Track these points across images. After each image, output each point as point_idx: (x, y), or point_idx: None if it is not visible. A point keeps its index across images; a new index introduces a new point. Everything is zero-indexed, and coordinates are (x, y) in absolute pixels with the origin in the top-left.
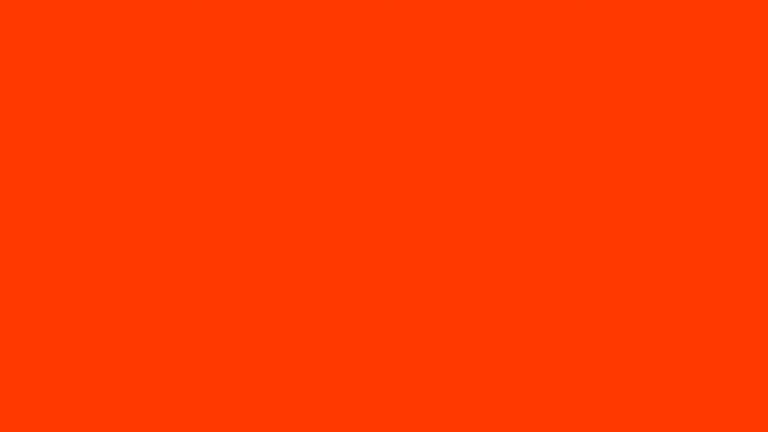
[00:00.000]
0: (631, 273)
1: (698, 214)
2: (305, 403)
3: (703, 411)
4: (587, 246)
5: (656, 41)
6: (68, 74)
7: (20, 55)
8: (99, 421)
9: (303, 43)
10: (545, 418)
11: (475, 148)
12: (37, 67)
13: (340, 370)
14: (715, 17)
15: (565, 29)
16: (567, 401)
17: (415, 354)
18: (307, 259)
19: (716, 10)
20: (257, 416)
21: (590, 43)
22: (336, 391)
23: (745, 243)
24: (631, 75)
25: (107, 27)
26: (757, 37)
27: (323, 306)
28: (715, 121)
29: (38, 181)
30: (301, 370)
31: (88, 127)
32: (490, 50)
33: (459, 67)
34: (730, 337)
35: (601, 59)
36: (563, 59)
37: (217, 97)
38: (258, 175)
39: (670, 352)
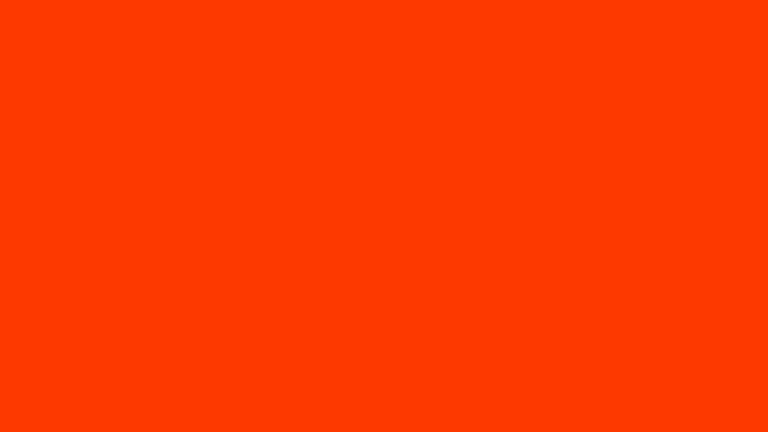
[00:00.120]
0: (631, 273)
1: (698, 213)
2: (305, 403)
3: (703, 411)
4: (587, 246)
5: (656, 41)
6: (68, 74)
7: (20, 55)
8: (99, 421)
9: (303, 43)
10: (545, 418)
11: (475, 148)
12: (37, 67)
13: (340, 370)
14: (715, 17)
15: (565, 29)
16: (567, 401)
17: (415, 354)
18: (307, 259)
19: (716, 10)
20: (257, 416)
21: (590, 43)
22: (336, 391)
23: (745, 243)
24: (631, 75)
25: (107, 27)
26: (757, 37)
27: (323, 306)
28: (715, 121)
29: (38, 181)
30: (301, 370)
31: (88, 127)
32: (490, 50)
33: (459, 67)
34: (730, 337)
35: (601, 59)
36: (563, 59)
37: (217, 97)
38: (258, 175)
39: (670, 352)
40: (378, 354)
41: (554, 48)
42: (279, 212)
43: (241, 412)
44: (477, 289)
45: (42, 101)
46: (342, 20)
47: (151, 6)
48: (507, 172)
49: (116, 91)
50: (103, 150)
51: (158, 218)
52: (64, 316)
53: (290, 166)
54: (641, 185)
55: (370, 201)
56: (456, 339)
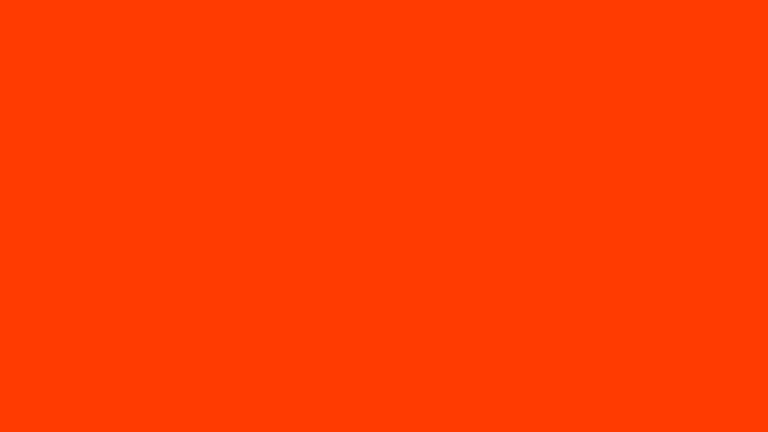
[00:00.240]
0: (631, 273)
1: (698, 213)
2: (305, 403)
3: (703, 411)
4: (587, 246)
5: (656, 41)
6: (68, 74)
7: (20, 55)
8: (99, 421)
9: (303, 43)
10: (545, 418)
11: (475, 148)
12: (37, 67)
13: (340, 370)
14: (715, 17)
15: (565, 29)
16: (567, 401)
17: (415, 354)
18: (307, 259)
19: (716, 10)
20: (257, 416)
21: (590, 43)
22: (336, 391)
23: (745, 243)
24: (631, 75)
25: (107, 27)
26: (757, 37)
27: (323, 306)
28: (715, 121)
29: (38, 181)
30: (301, 370)
31: (88, 127)
32: (490, 50)
33: (459, 67)
34: (730, 337)
35: (601, 59)
36: (563, 59)
37: (217, 97)
38: (258, 175)
39: (670, 353)
40: (378, 354)
41: (554, 48)
42: (279, 212)
43: (241, 412)
44: (477, 289)
45: (42, 101)
46: (342, 20)
47: (151, 6)
48: (507, 172)
49: (116, 91)
50: (103, 150)
51: (158, 218)
52: (64, 316)
53: (290, 166)
54: (641, 185)
55: (370, 201)
56: (456, 339)
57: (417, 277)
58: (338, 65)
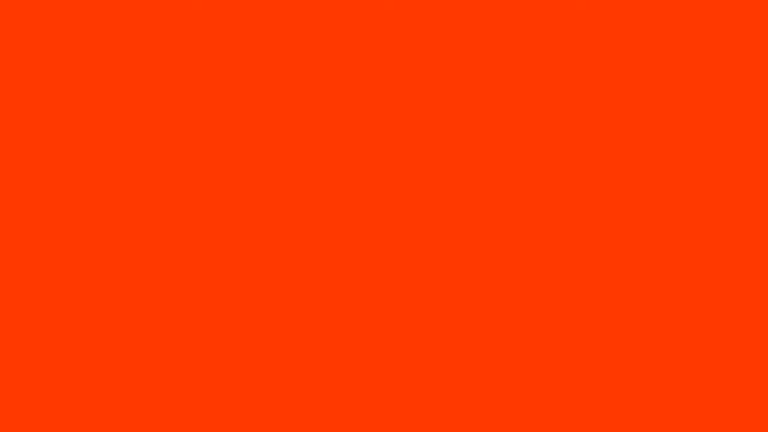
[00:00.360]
0: (631, 273)
1: (698, 214)
2: (305, 403)
3: (703, 411)
4: (587, 246)
5: (656, 41)
6: (68, 74)
7: (20, 55)
8: (99, 421)
9: (303, 43)
10: (545, 418)
11: (475, 148)
12: (37, 67)
13: (340, 370)
14: (715, 17)
15: (565, 29)
16: (567, 401)
17: (415, 354)
18: (307, 259)
19: (716, 10)
20: (257, 416)
21: (590, 43)
22: (336, 391)
23: (745, 243)
24: (631, 75)
25: (107, 27)
26: (757, 37)
27: (323, 306)
28: (715, 121)
29: (38, 181)
30: (301, 370)
31: (88, 127)
32: (490, 50)
33: (459, 67)
34: (730, 337)
35: (601, 59)
36: (563, 59)
37: (217, 97)
38: (258, 175)
39: (670, 353)
40: (378, 354)
41: (554, 48)
42: (279, 212)
43: (241, 412)
44: (477, 289)
45: (42, 101)
46: (342, 20)
47: (151, 6)
48: (507, 172)
49: (116, 91)
50: (103, 150)
51: (158, 218)
52: (64, 316)
53: (290, 166)
54: (641, 185)
55: (370, 201)
56: (456, 339)
57: (417, 277)
58: (338, 65)
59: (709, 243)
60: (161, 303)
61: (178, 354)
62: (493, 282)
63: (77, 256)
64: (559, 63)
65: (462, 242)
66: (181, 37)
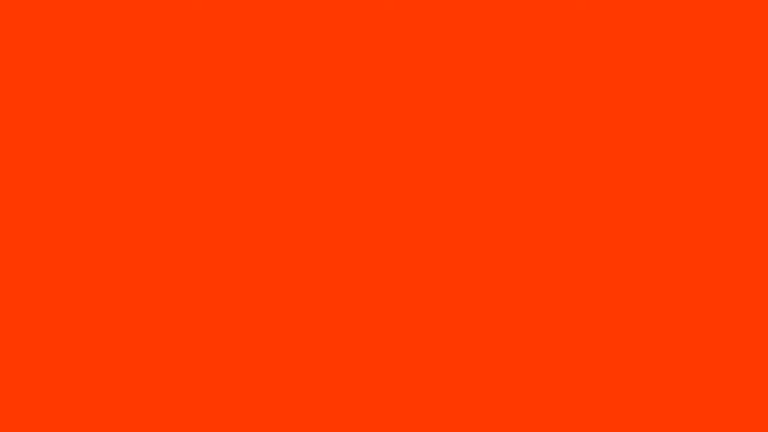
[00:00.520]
0: (631, 273)
1: (698, 214)
2: (305, 403)
3: (703, 411)
4: (587, 246)
5: (656, 41)
6: (68, 74)
7: (20, 55)
8: (99, 421)
9: (303, 43)
10: (545, 418)
11: (475, 148)
12: (37, 67)
13: (340, 370)
14: (715, 17)
15: (565, 29)
16: (567, 401)
17: (415, 354)
18: (307, 259)
19: (716, 10)
20: (257, 416)
21: (590, 43)
22: (336, 391)
23: (745, 243)
24: (631, 75)
25: (107, 27)
26: (757, 37)
27: (323, 306)
28: (715, 121)
29: (38, 181)
30: (301, 370)
31: (88, 127)
32: (490, 50)
33: (459, 67)
34: (730, 337)
35: (601, 59)
36: (563, 59)
37: (217, 97)
38: (258, 175)
39: (670, 353)
40: (378, 354)
41: (554, 48)
42: (279, 212)
43: (241, 412)
44: (477, 289)
45: (42, 101)
46: (342, 20)
47: (151, 6)
48: (507, 172)
49: (116, 91)
50: (103, 150)
51: (158, 218)
52: (64, 316)
53: (290, 166)
54: (641, 185)
55: (370, 201)
56: (456, 339)
57: (417, 277)
58: (338, 65)
59: (709, 243)
60: (161, 303)
61: (178, 354)
62: (493, 282)
63: (77, 256)
64: (559, 63)
65: (462, 242)
66: (181, 37)
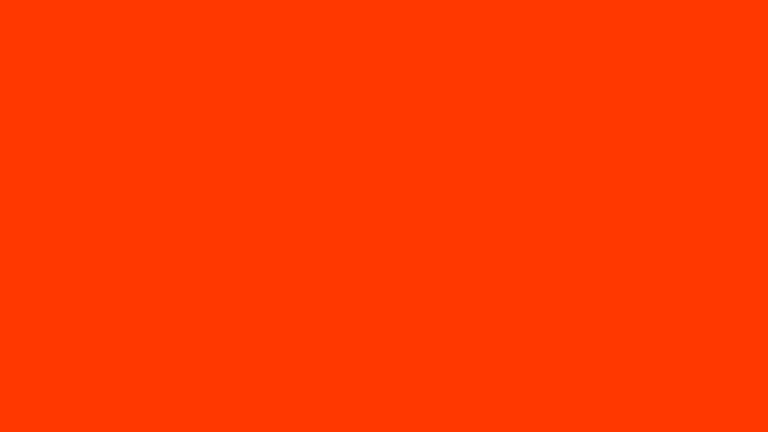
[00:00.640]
0: (631, 273)
1: (698, 214)
2: (305, 403)
3: (703, 411)
4: (587, 246)
5: (656, 41)
6: (68, 74)
7: (20, 55)
8: (99, 421)
9: (303, 43)
10: (545, 418)
11: (475, 148)
12: (37, 67)
13: (340, 371)
14: (715, 17)
15: (565, 29)
16: (567, 401)
17: (415, 354)
18: (307, 259)
19: (716, 10)
20: (257, 416)
21: (590, 43)
22: (336, 391)
23: (745, 243)
24: (631, 75)
25: (107, 27)
26: (757, 37)
27: (323, 306)
28: (715, 121)
29: (38, 181)
30: (301, 370)
31: (88, 127)
32: (490, 50)
33: (459, 67)
34: (730, 337)
35: (601, 59)
36: (563, 59)
37: (218, 97)
38: (258, 175)
39: (670, 353)
40: (378, 354)
41: (554, 48)
42: (279, 212)
43: (241, 412)
44: (477, 289)
45: (42, 101)
46: (342, 20)
47: (151, 6)
48: (507, 172)
49: (116, 91)
50: (103, 150)
51: (158, 218)
52: (64, 316)
53: (290, 166)
54: (641, 185)
55: (370, 201)
56: (456, 339)
57: (417, 277)
58: (338, 65)
59: (709, 243)
60: (161, 303)
61: (178, 354)
62: (493, 282)
63: (77, 256)
64: (559, 63)
65: (462, 242)
66: (181, 37)
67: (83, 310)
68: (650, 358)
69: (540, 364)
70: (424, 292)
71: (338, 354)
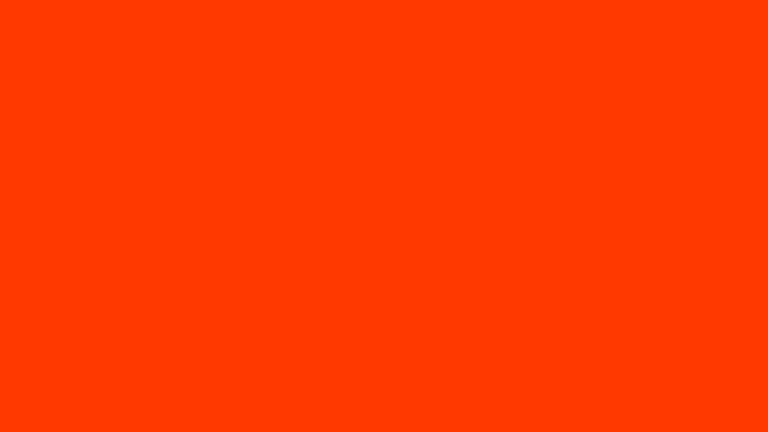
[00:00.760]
0: (631, 273)
1: (698, 214)
2: (305, 403)
3: (703, 411)
4: (587, 246)
5: (656, 41)
6: (68, 74)
7: (20, 55)
8: (99, 421)
9: (303, 43)
10: (545, 418)
11: (475, 148)
12: (37, 67)
13: (340, 371)
14: (715, 17)
15: (565, 29)
16: (567, 401)
17: (415, 354)
18: (307, 259)
19: (716, 10)
20: (257, 416)
21: (590, 43)
22: (336, 391)
23: (745, 243)
24: (631, 75)
25: (107, 27)
26: (757, 37)
27: (323, 306)
28: (715, 121)
29: (38, 181)
30: (301, 370)
31: (88, 127)
32: (490, 50)
33: (459, 67)
34: (730, 337)
35: (601, 59)
36: (563, 59)
37: (218, 97)
38: (258, 175)
39: (670, 353)
40: (378, 354)
41: (554, 48)
42: (279, 212)
43: (241, 412)
44: (477, 289)
45: (42, 101)
46: (342, 20)
47: (151, 6)
48: (507, 172)
49: (116, 91)
50: (103, 150)
51: (158, 218)
52: (64, 316)
53: (290, 166)
54: (641, 185)
55: (370, 201)
56: (456, 339)
57: (417, 277)
58: (338, 65)
59: (709, 243)
60: (161, 303)
61: (178, 354)
62: (493, 282)
63: (77, 256)
64: (559, 63)
65: (462, 242)
66: (181, 37)
67: (83, 310)
68: (650, 357)
69: (540, 364)
70: (424, 292)
71: (338, 354)
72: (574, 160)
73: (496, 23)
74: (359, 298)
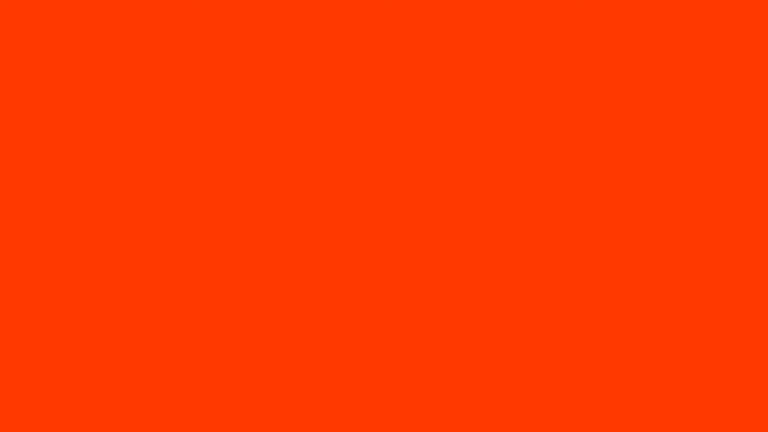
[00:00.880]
0: (631, 273)
1: (698, 214)
2: (305, 403)
3: (703, 411)
4: (587, 246)
5: (656, 41)
6: (68, 74)
7: (20, 55)
8: (99, 421)
9: (303, 43)
10: (545, 418)
11: (475, 148)
12: (37, 67)
13: (340, 371)
14: (715, 17)
15: (565, 29)
16: (567, 401)
17: (415, 354)
18: (307, 259)
19: (716, 10)
20: (257, 416)
21: (590, 43)
22: (336, 391)
23: (745, 243)
24: (631, 75)
25: (107, 27)
26: (757, 37)
27: (323, 306)
28: (715, 121)
29: (38, 181)
30: (301, 370)
31: (88, 127)
32: (490, 50)
33: (459, 67)
34: (730, 337)
35: (601, 59)
36: (563, 59)
37: (218, 97)
38: (258, 175)
39: (670, 353)
40: (378, 354)
41: (554, 48)
42: (279, 212)
43: (241, 412)
44: (477, 289)
45: (42, 101)
46: (342, 20)
47: (151, 6)
48: (507, 172)
49: (116, 91)
50: (103, 150)
51: (158, 218)
52: (64, 316)
53: (290, 166)
54: (641, 185)
55: (370, 201)
56: (456, 339)
57: (417, 277)
58: (338, 65)
59: (709, 243)
60: (161, 303)
61: (178, 354)
62: (493, 282)
63: (77, 256)
64: (559, 63)
65: (462, 242)
66: (181, 37)
67: (83, 309)
68: (650, 357)
69: (540, 364)
70: (423, 291)
71: (338, 353)
72: (574, 160)
73: (496, 23)
74: (359, 297)
